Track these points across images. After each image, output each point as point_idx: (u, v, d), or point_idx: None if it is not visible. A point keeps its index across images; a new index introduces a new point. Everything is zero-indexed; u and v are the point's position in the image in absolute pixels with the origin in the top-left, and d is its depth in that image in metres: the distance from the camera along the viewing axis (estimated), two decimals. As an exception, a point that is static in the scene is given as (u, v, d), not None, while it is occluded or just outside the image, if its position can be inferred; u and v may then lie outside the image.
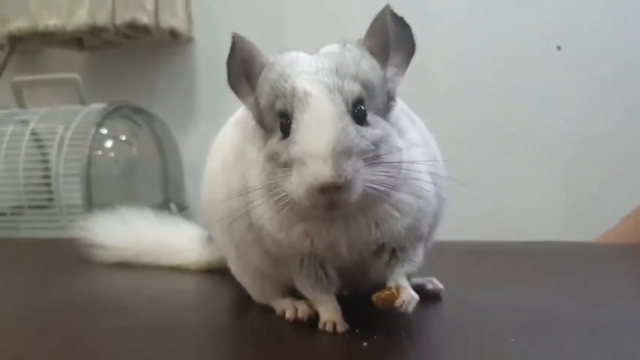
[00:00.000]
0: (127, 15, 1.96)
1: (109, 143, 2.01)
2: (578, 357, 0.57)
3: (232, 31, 0.63)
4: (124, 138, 2.06)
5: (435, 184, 0.65)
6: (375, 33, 0.62)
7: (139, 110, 2.03)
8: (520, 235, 1.17)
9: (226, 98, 0.67)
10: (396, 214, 0.60)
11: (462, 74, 1.93)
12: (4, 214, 1.84)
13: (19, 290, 0.92)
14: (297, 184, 0.55)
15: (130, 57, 2.24)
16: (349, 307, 0.65)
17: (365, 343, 0.60)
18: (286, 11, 2.10)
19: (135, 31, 2.01)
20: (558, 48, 1.88)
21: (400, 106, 0.66)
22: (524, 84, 1.90)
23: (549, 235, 1.17)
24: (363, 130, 0.57)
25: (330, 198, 0.54)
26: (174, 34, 2.09)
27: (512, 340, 0.60)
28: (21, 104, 1.96)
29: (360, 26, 0.64)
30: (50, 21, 2.01)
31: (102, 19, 1.97)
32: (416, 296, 0.62)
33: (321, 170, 0.53)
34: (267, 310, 0.72)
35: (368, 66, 0.60)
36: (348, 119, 0.56)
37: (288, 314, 0.68)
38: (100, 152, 1.92)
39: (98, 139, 1.86)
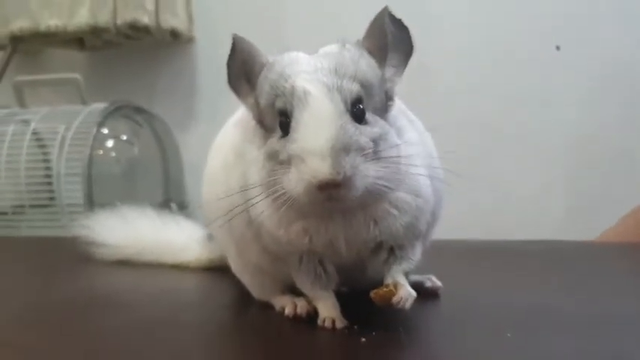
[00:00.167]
0: (128, 15, 1.97)
1: (110, 143, 2.01)
2: (575, 353, 0.57)
3: (232, 31, 0.63)
4: (124, 138, 2.06)
5: (433, 183, 0.65)
6: (374, 34, 0.63)
7: (139, 110, 2.03)
8: (519, 234, 1.17)
9: (226, 98, 0.68)
10: (395, 212, 0.61)
11: (462, 75, 1.94)
12: (5, 214, 1.85)
13: (21, 288, 0.93)
14: (296, 181, 0.55)
15: (130, 57, 2.24)
16: (348, 303, 0.66)
17: (363, 339, 0.60)
18: (286, 11, 2.10)
19: (136, 31, 2.02)
20: (557, 48, 1.88)
21: (398, 106, 0.67)
22: (524, 84, 1.90)
23: (548, 234, 1.17)
24: (362, 128, 0.58)
25: (329, 195, 0.55)
26: (174, 34, 2.10)
27: (509, 335, 0.60)
28: (22, 104, 1.97)
29: (360, 27, 0.65)
30: (51, 21, 2.01)
31: (103, 19, 1.97)
32: (413, 293, 0.62)
33: (319, 167, 0.54)
34: (267, 306, 0.73)
35: (366, 66, 0.61)
36: (346, 118, 0.57)
37: (288, 311, 0.69)
38: (101, 152, 1.93)
39: (99, 139, 1.86)
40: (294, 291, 0.70)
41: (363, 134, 0.57)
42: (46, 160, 1.85)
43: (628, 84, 1.84)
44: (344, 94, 0.58)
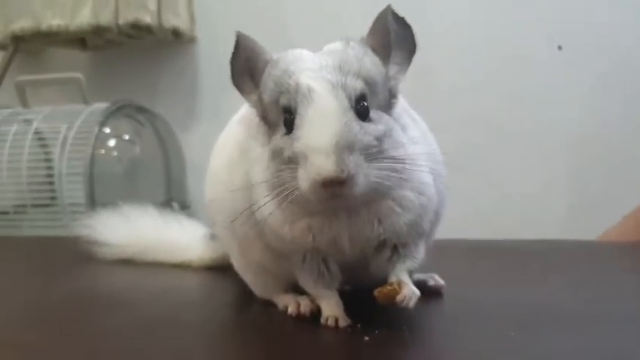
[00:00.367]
0: (130, 15, 1.97)
1: (111, 142, 2.01)
2: (579, 352, 0.57)
3: (234, 30, 0.64)
4: (126, 137, 2.06)
5: (436, 182, 0.65)
6: (377, 32, 0.63)
7: (141, 109, 2.03)
8: (521, 233, 1.17)
9: (229, 97, 0.68)
10: (398, 210, 0.61)
11: (464, 73, 1.94)
12: (7, 213, 1.85)
13: (23, 288, 0.93)
14: (300, 178, 0.55)
15: (132, 56, 2.24)
16: (351, 302, 0.66)
17: (367, 338, 0.60)
18: (287, 10, 2.10)
19: (138, 30, 2.02)
20: (559, 48, 1.88)
21: (402, 105, 0.67)
22: (526, 83, 1.90)
23: (550, 232, 1.17)
24: (366, 125, 0.58)
25: (333, 192, 0.55)
26: (176, 34, 2.10)
27: (513, 334, 0.60)
28: (24, 104, 1.97)
29: (361, 25, 0.65)
30: (54, 21, 2.01)
31: (105, 19, 1.97)
32: (417, 292, 0.62)
33: (324, 165, 0.54)
34: (270, 305, 0.73)
35: (370, 63, 0.61)
36: (351, 115, 0.57)
37: (291, 309, 0.69)
38: (102, 151, 1.92)
39: (101, 138, 1.86)
40: (297, 289, 0.70)
41: (367, 132, 0.57)
42: (48, 160, 1.85)
43: (630, 83, 1.84)
44: (348, 92, 0.58)
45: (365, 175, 0.55)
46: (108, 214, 1.06)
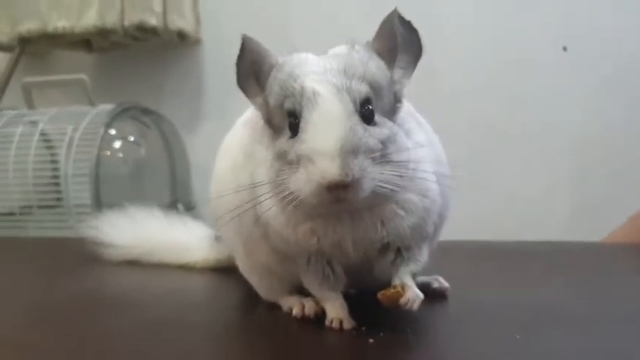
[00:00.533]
0: (136, 17, 1.97)
1: (117, 144, 2.01)
2: (581, 352, 0.58)
3: (239, 32, 0.64)
4: (132, 138, 2.06)
5: (440, 184, 0.66)
6: (383, 35, 0.63)
7: (147, 111, 2.04)
8: (524, 235, 1.17)
9: (234, 99, 0.68)
10: (402, 213, 0.61)
11: (469, 76, 1.94)
12: (13, 214, 1.85)
13: (28, 288, 0.93)
14: (304, 181, 0.55)
15: (138, 58, 2.25)
16: (355, 304, 0.66)
17: (371, 340, 0.60)
18: (292, 13, 2.11)
19: (143, 32, 2.02)
20: (564, 49, 1.88)
21: (407, 108, 0.67)
22: (530, 86, 1.90)
23: (554, 235, 1.17)
24: (371, 129, 0.58)
25: (337, 196, 0.55)
26: (182, 36, 2.10)
27: (518, 336, 0.61)
28: (30, 105, 1.97)
29: (366, 28, 0.65)
30: (59, 23, 2.02)
31: (110, 20, 1.98)
32: (421, 294, 0.62)
33: (328, 168, 0.54)
34: (274, 307, 0.73)
35: (375, 67, 0.61)
36: (355, 118, 0.57)
37: (295, 311, 0.69)
38: (108, 153, 1.93)
39: (107, 140, 1.86)
40: (301, 291, 0.70)
41: (371, 135, 0.57)
42: (54, 161, 1.85)
43: (633, 86, 1.84)
44: (353, 95, 0.58)
45: (369, 179, 0.56)
46: (113, 215, 1.06)
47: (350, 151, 0.55)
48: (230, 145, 0.74)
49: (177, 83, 2.25)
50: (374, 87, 0.60)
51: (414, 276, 0.66)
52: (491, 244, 1.14)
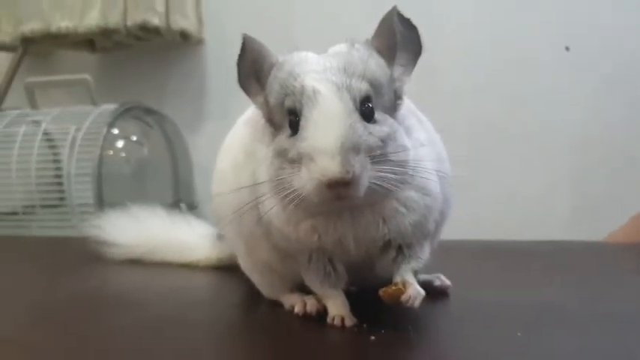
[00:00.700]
0: (138, 17, 1.98)
1: (120, 143, 2.01)
2: (582, 352, 0.58)
3: (241, 32, 0.64)
4: (134, 138, 2.07)
5: (442, 182, 0.66)
6: (383, 33, 0.63)
7: (149, 111, 2.04)
8: (525, 234, 1.17)
9: (236, 98, 0.68)
10: (403, 210, 0.61)
11: (469, 75, 1.94)
12: (16, 214, 1.85)
13: (31, 288, 0.93)
14: (305, 179, 0.56)
15: (140, 58, 2.25)
16: (357, 301, 0.66)
17: (373, 338, 0.61)
18: (294, 12, 2.11)
19: (146, 32, 2.03)
20: (567, 49, 1.88)
21: (407, 106, 0.67)
22: (531, 84, 1.90)
23: (554, 234, 1.17)
24: (371, 127, 0.58)
25: (338, 194, 0.55)
26: (184, 36, 2.10)
27: (519, 334, 0.61)
28: (33, 105, 1.98)
29: (367, 27, 0.65)
30: (62, 23, 2.02)
31: (113, 20, 1.98)
32: (422, 292, 0.63)
33: (329, 166, 0.54)
34: (276, 305, 0.74)
35: (375, 65, 0.61)
36: (356, 116, 0.57)
37: (297, 309, 0.69)
38: (111, 152, 1.93)
39: (109, 140, 1.86)
40: (303, 289, 0.71)
41: (372, 133, 0.57)
42: (57, 161, 1.86)
43: (634, 85, 1.84)
44: (353, 93, 0.58)
45: (369, 176, 0.56)
46: (116, 214, 1.06)
47: (350, 148, 0.55)
48: (231, 144, 0.75)
49: (179, 83, 2.25)
50: (374, 85, 0.60)
51: (415, 274, 0.66)
52: (492, 243, 1.14)
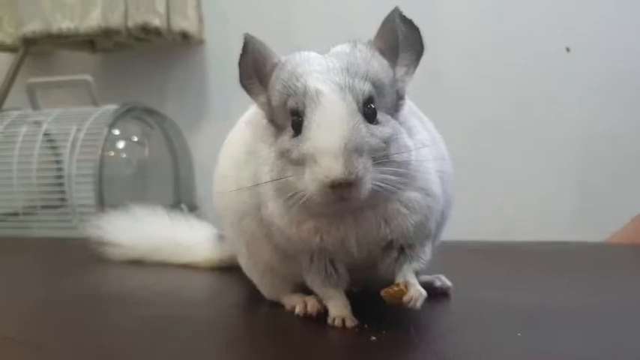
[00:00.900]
0: (139, 17, 1.98)
1: (121, 144, 2.01)
2: (583, 352, 0.58)
3: (243, 32, 0.64)
4: (135, 139, 2.06)
5: (443, 183, 0.66)
6: (385, 34, 0.63)
7: (150, 111, 2.04)
8: (528, 235, 1.17)
9: (237, 99, 0.68)
10: (405, 211, 0.61)
11: (470, 75, 1.93)
12: (17, 214, 1.85)
13: (32, 288, 0.93)
14: (308, 180, 0.56)
15: (141, 59, 2.25)
16: (358, 302, 0.66)
17: (374, 338, 0.61)
18: (296, 12, 2.11)
19: (147, 33, 2.02)
20: (567, 50, 1.88)
21: (409, 107, 0.67)
22: (532, 85, 1.90)
23: (558, 235, 1.17)
24: (374, 128, 0.58)
25: (341, 195, 0.55)
26: (185, 36, 2.10)
27: (519, 334, 0.61)
28: (34, 105, 1.98)
29: (370, 27, 0.65)
30: (63, 23, 2.02)
31: (114, 21, 1.98)
32: (424, 292, 0.63)
33: (332, 167, 0.54)
34: (277, 305, 0.73)
35: (378, 65, 0.61)
36: (358, 117, 0.57)
37: (298, 309, 0.69)
38: (112, 153, 1.93)
39: (110, 140, 1.86)
40: (304, 290, 0.70)
41: (374, 134, 0.57)
42: (58, 162, 1.85)
43: (636, 85, 1.83)
44: (356, 94, 0.58)
45: (372, 177, 0.56)
46: (117, 215, 1.06)
47: (353, 149, 0.55)
48: (232, 143, 0.74)
49: (180, 84, 2.25)
50: (376, 85, 0.60)
51: (416, 274, 0.66)
52: (493, 244, 1.14)
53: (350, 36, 0.64)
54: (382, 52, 0.63)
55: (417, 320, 0.66)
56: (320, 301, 0.69)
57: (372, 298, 0.63)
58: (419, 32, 0.63)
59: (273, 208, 0.62)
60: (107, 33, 2.02)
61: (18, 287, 0.94)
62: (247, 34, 0.64)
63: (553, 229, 1.78)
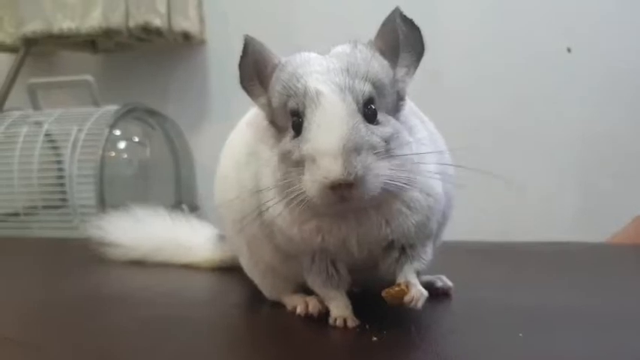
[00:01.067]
0: (140, 18, 1.98)
1: (122, 145, 2.01)
2: (584, 352, 0.58)
3: (244, 32, 0.64)
4: (137, 139, 2.06)
5: (444, 183, 0.66)
6: (386, 34, 0.63)
7: (151, 112, 2.04)
8: (530, 235, 1.17)
9: (238, 100, 0.68)
10: (406, 211, 0.61)
11: (471, 75, 1.93)
12: (18, 214, 1.85)
13: (33, 288, 0.94)
14: (308, 181, 0.56)
15: (142, 59, 2.25)
16: (359, 302, 0.66)
17: (375, 338, 0.61)
18: (297, 13, 2.11)
19: (148, 33, 2.02)
20: (568, 50, 1.88)
21: (410, 107, 0.67)
22: (533, 85, 1.90)
23: (560, 235, 1.17)
24: (374, 128, 0.58)
25: (341, 196, 0.55)
26: (186, 37, 2.10)
27: (520, 335, 0.61)
28: (36, 106, 1.98)
29: (370, 27, 0.65)
30: (64, 24, 2.02)
31: (115, 21, 1.98)
32: (425, 292, 0.63)
33: (331, 168, 0.54)
34: (279, 305, 0.74)
35: (378, 66, 0.61)
36: (358, 118, 0.57)
37: (299, 309, 0.69)
38: (113, 153, 1.93)
39: (111, 141, 1.86)
40: (305, 290, 0.70)
41: (374, 134, 0.57)
42: (59, 162, 1.85)
43: (637, 85, 1.83)
44: (356, 94, 0.58)
45: (372, 177, 0.56)
46: (118, 215, 1.06)
47: (353, 150, 0.55)
48: (233, 145, 0.75)
49: (181, 84, 2.25)
50: (377, 86, 0.60)
51: (418, 274, 0.66)
52: (494, 245, 1.14)
53: (350, 36, 0.64)
54: (383, 53, 0.63)
55: (418, 320, 0.66)
56: (321, 301, 0.69)
57: (373, 298, 0.63)
58: (419, 32, 0.63)
59: (274, 209, 0.62)
60: (108, 33, 2.02)
61: (18, 287, 0.94)
62: (247, 35, 0.64)
63: (554, 229, 1.78)
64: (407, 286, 0.62)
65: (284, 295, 0.74)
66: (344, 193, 0.55)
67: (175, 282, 0.94)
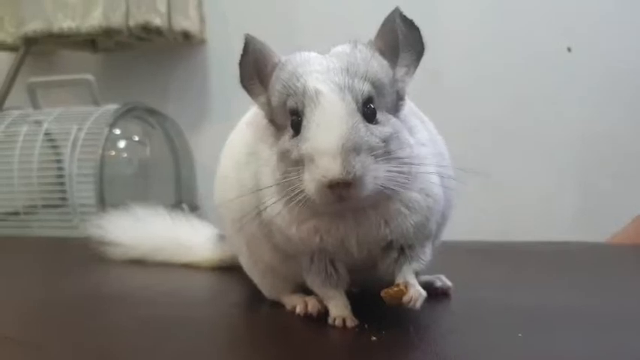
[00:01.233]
0: (141, 17, 1.98)
1: (122, 144, 2.01)
2: (583, 352, 0.58)
3: (244, 32, 0.64)
4: (137, 139, 2.06)
5: (444, 183, 0.66)
6: (385, 34, 0.63)
7: (152, 111, 2.04)
8: (529, 235, 1.17)
9: (239, 99, 0.68)
10: (406, 211, 0.61)
11: (471, 75, 1.93)
12: (17, 214, 1.85)
13: (33, 287, 0.94)
14: (307, 181, 0.56)
15: (143, 58, 2.25)
16: (358, 302, 0.66)
17: (374, 338, 0.61)
18: (297, 12, 2.11)
19: (148, 32, 2.02)
20: (569, 50, 1.88)
21: (409, 107, 0.67)
22: (533, 85, 1.90)
23: (559, 235, 1.17)
24: (373, 127, 0.58)
25: (340, 195, 0.55)
26: (186, 36, 2.10)
27: (520, 335, 0.61)
28: (35, 105, 1.98)
29: (370, 27, 0.65)
30: (65, 23, 2.02)
31: (116, 21, 1.98)
32: (423, 293, 0.63)
33: (330, 167, 0.54)
34: (278, 305, 0.74)
35: (378, 66, 0.61)
36: (358, 117, 0.57)
37: (299, 309, 0.69)
38: (113, 153, 1.93)
39: (111, 140, 1.86)
40: (305, 290, 0.71)
41: (373, 134, 0.57)
42: (59, 161, 1.85)
43: (637, 84, 1.83)
44: (355, 94, 0.58)
45: (371, 177, 0.56)
46: (118, 214, 1.06)
47: (351, 149, 0.55)
48: (233, 144, 0.75)
49: (182, 83, 2.25)
50: (376, 85, 0.60)
51: (416, 275, 0.66)
52: (494, 244, 1.14)
53: (350, 36, 0.65)
54: (382, 53, 0.63)
55: (417, 320, 0.66)
56: (320, 301, 0.69)
57: (372, 298, 0.63)
58: (419, 32, 0.63)
59: (273, 208, 0.62)
60: (108, 32, 2.02)
61: (18, 287, 0.94)
62: (248, 34, 0.64)
63: (553, 229, 1.78)
64: (405, 287, 0.62)
65: (283, 294, 0.74)
66: (342, 192, 0.55)
67: (175, 281, 0.94)
